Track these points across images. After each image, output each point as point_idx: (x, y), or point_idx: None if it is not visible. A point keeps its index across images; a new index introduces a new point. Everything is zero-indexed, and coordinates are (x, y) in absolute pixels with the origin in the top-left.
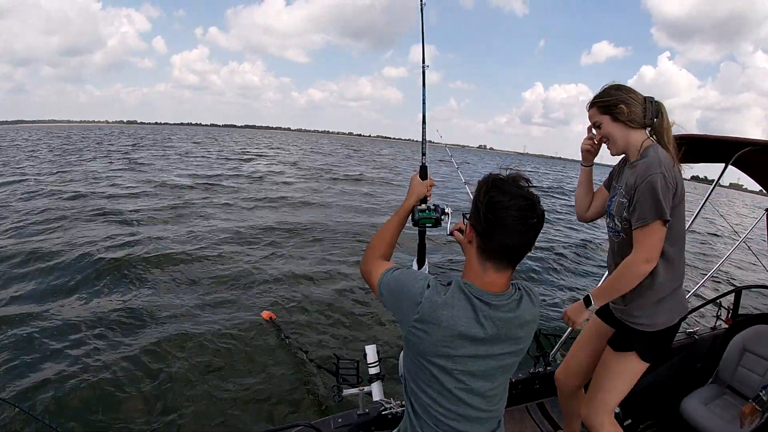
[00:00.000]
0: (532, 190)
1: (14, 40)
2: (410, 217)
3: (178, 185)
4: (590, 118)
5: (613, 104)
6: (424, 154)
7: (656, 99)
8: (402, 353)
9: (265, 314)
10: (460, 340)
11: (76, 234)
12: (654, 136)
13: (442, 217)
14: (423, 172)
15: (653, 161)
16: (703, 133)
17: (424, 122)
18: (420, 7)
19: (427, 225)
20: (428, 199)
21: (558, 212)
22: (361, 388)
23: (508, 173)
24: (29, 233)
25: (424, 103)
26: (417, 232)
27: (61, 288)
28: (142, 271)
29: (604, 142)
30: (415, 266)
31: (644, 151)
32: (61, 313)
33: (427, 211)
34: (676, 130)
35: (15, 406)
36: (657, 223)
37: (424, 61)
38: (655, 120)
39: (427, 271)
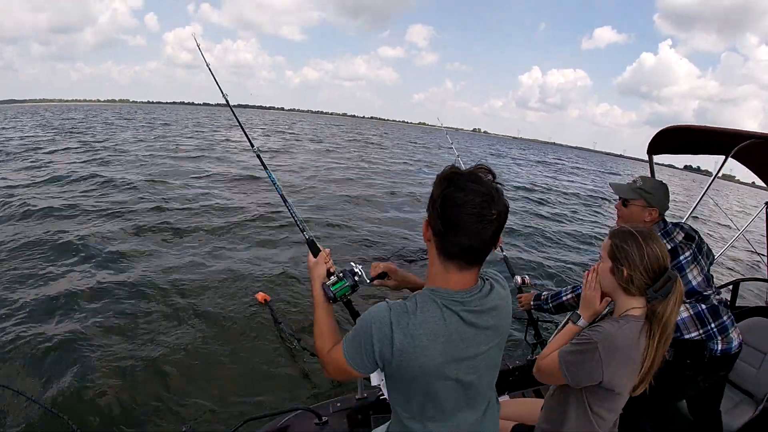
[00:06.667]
0: (494, 184)
1: (2, 17)
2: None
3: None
4: (603, 246)
5: (618, 260)
6: (303, 230)
7: (676, 276)
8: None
9: (260, 296)
10: (446, 350)
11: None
12: (649, 314)
13: (356, 278)
14: (312, 248)
15: (604, 333)
16: (704, 125)
17: (285, 200)
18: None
19: (347, 295)
20: (332, 269)
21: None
22: None
23: (472, 167)
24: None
25: (282, 197)
26: (342, 305)
27: (57, 283)
28: (134, 251)
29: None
30: None
31: (619, 319)
32: (51, 306)
33: (338, 283)
34: (672, 121)
35: (32, 400)
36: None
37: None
38: (661, 297)
39: None
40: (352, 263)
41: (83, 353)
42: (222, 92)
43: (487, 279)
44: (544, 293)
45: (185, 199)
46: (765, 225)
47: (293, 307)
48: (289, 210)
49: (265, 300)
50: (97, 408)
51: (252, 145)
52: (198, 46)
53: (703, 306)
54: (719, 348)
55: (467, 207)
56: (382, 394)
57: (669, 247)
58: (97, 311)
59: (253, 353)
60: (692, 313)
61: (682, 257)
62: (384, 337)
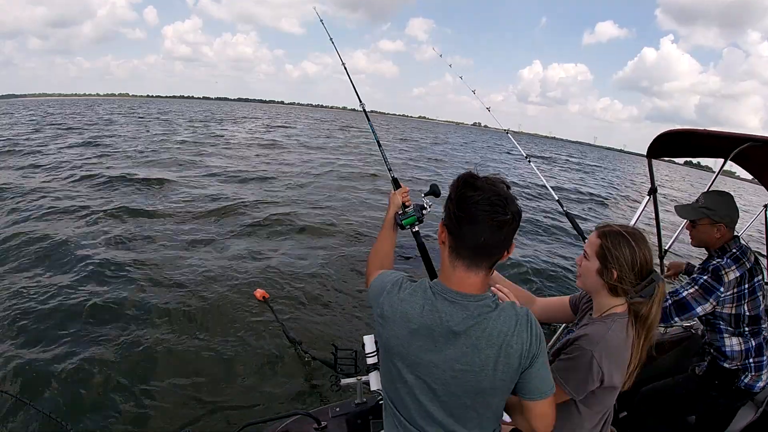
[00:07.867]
0: (508, 191)
1: None
2: (399, 228)
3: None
4: (589, 243)
5: (609, 263)
6: (390, 170)
7: (660, 278)
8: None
9: (258, 293)
10: (413, 338)
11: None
12: (631, 310)
13: (423, 211)
14: (395, 184)
15: (596, 337)
16: (703, 128)
17: (380, 145)
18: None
19: (414, 224)
20: (407, 204)
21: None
22: (358, 377)
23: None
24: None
25: (378, 142)
26: (417, 248)
27: (55, 283)
28: (128, 250)
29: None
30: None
31: (604, 317)
32: (56, 307)
33: (407, 215)
34: (672, 116)
35: (28, 404)
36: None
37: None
38: (643, 297)
39: None
40: (424, 199)
41: (81, 359)
42: (359, 99)
43: (499, 303)
44: (692, 278)
45: (182, 193)
46: (764, 228)
47: (294, 305)
48: (381, 153)
49: (264, 297)
50: (94, 411)
51: (360, 101)
52: (343, 64)
53: (753, 342)
54: (746, 381)
55: (482, 204)
56: (381, 399)
57: (748, 267)
58: (90, 314)
59: (251, 356)
60: (743, 348)
61: (756, 279)
62: (377, 298)
